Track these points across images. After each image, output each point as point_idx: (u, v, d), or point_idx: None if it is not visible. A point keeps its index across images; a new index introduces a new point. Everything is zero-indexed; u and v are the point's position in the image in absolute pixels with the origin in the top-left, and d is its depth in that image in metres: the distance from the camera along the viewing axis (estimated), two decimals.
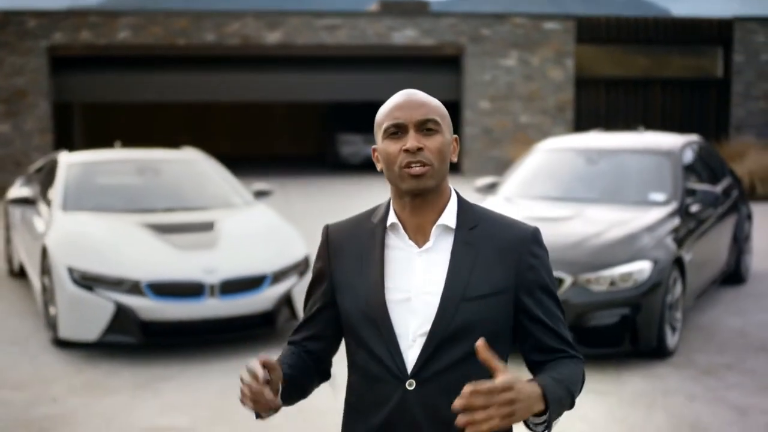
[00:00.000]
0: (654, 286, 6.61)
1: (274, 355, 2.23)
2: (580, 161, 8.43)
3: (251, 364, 1.99)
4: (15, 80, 18.72)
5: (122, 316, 6.74)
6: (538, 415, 1.99)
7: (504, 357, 2.18)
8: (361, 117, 22.47)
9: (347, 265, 2.23)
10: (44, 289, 7.40)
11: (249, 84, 20.30)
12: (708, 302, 8.42)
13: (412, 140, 2.10)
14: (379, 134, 2.18)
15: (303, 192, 17.34)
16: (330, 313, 2.26)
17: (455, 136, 2.24)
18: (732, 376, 6.45)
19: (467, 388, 1.83)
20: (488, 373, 2.01)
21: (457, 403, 1.83)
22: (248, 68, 20.09)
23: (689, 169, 8.20)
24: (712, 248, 8.18)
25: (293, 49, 19.69)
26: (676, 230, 7.27)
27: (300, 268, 7.36)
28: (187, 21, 19.23)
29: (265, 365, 2.01)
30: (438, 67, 20.55)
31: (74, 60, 19.26)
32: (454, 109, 20.31)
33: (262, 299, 7.02)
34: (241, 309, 6.95)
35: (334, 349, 2.33)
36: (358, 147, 21.57)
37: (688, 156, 8.39)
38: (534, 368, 2.21)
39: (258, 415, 2.12)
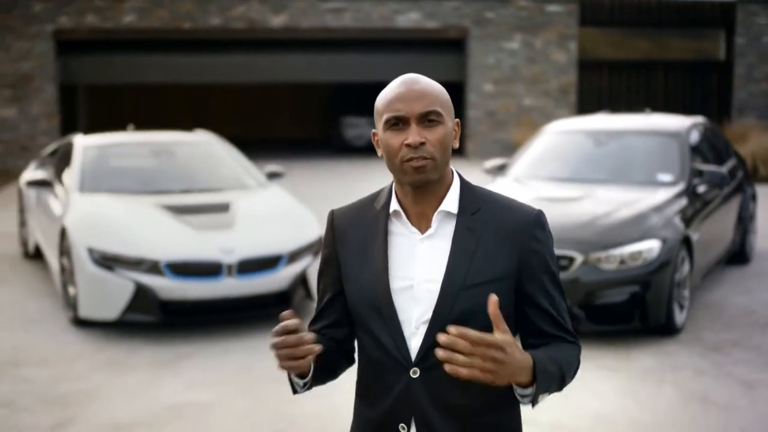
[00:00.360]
0: (663, 265, 6.75)
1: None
2: (588, 143, 8.56)
3: (277, 327, 1.98)
4: (21, 65, 18.80)
5: (142, 296, 6.88)
6: (525, 387, 1.99)
7: None
8: (366, 99, 22.53)
9: (351, 252, 2.22)
10: (63, 269, 7.54)
11: (254, 66, 20.40)
12: (714, 281, 8.56)
13: (414, 135, 2.07)
14: (379, 122, 2.15)
15: (308, 174, 17.45)
16: (342, 300, 2.25)
17: (456, 120, 2.21)
18: (739, 352, 6.60)
19: (454, 329, 1.85)
20: None
21: (442, 337, 1.85)
22: (253, 50, 20.19)
23: (695, 150, 8.32)
24: (718, 228, 8.31)
25: (298, 32, 19.76)
26: (683, 210, 7.40)
27: (314, 248, 7.49)
28: (193, 5, 19.30)
29: (285, 319, 2.01)
30: (442, 49, 20.63)
31: (80, 43, 19.33)
32: (458, 91, 20.41)
33: (278, 279, 7.16)
34: (257, 288, 7.09)
35: (354, 334, 2.30)
36: (362, 129, 21.65)
37: (695, 137, 8.51)
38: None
39: (294, 390, 2.16)
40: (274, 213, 7.84)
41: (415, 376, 2.11)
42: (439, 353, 1.86)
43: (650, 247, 6.77)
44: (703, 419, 5.37)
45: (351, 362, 2.36)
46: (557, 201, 7.35)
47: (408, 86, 2.11)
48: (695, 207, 7.66)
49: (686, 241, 7.17)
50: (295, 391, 2.20)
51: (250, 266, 7.06)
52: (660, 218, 7.11)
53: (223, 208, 7.74)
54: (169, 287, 6.89)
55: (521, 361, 1.93)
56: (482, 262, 2.10)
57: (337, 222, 2.27)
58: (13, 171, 18.52)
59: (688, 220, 7.35)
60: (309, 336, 2.00)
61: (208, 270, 6.95)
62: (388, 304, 2.12)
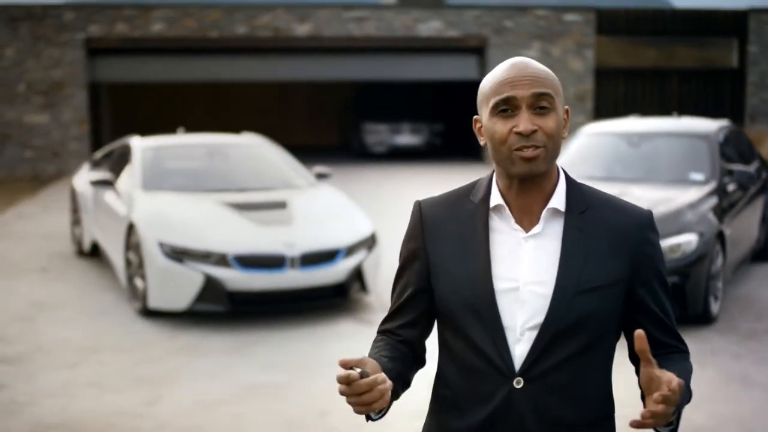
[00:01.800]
0: (700, 257, 7.20)
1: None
2: (622, 144, 9.00)
3: (340, 376, 1.81)
4: (53, 72, 19.29)
5: (211, 287, 7.33)
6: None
7: (610, 353, 2.07)
8: (386, 106, 23.01)
9: (445, 248, 2.06)
10: (129, 263, 7.98)
11: (276, 66, 20.93)
12: (742, 276, 8.99)
13: (525, 122, 1.93)
14: (484, 108, 2.01)
15: (332, 180, 17.88)
16: (425, 298, 2.10)
17: (566, 107, 2.06)
18: None
19: (671, 382, 1.76)
20: (599, 372, 2.01)
21: (657, 396, 1.75)
22: (278, 55, 20.70)
23: (724, 151, 8.76)
24: (746, 225, 8.75)
25: (322, 40, 20.25)
26: (715, 207, 7.84)
27: (368, 243, 7.93)
28: (220, 14, 19.80)
29: (347, 365, 1.85)
30: (462, 57, 21.09)
31: (110, 51, 19.83)
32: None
33: (337, 271, 7.60)
34: (317, 280, 7.53)
35: (428, 335, 2.18)
36: (382, 136, 22.07)
37: (722, 139, 8.95)
38: (637, 362, 2.03)
39: (368, 417, 1.96)
40: (328, 210, 8.29)
41: (518, 387, 1.96)
42: (649, 413, 1.77)
43: (688, 240, 7.21)
44: (746, 395, 5.81)
45: (422, 365, 2.20)
46: None
47: (519, 69, 1.97)
48: (726, 204, 8.10)
49: (720, 236, 7.61)
50: (369, 418, 1.98)
51: (311, 259, 7.50)
52: (695, 214, 7.55)
53: (280, 205, 8.19)
54: (236, 278, 7.33)
55: None
56: (595, 264, 1.97)
57: (426, 214, 2.12)
58: (43, 176, 19.01)
59: (720, 216, 7.79)
60: (381, 376, 1.84)
61: (273, 262, 7.39)
62: (490, 306, 1.98)
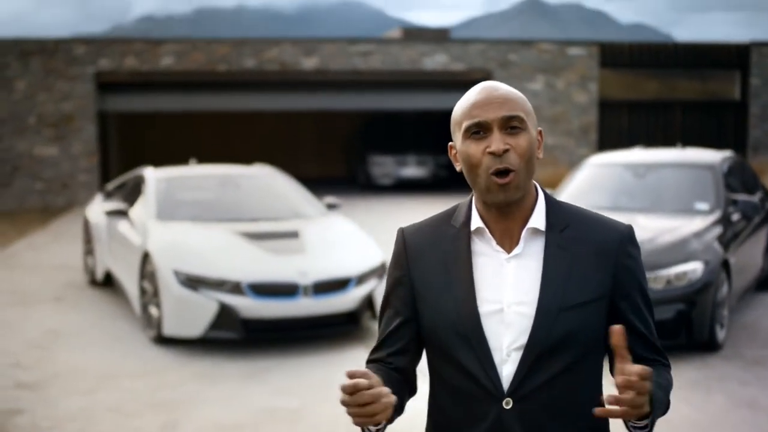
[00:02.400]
0: (706, 285, 7.32)
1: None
2: (627, 174, 9.16)
3: (346, 385, 1.83)
4: (63, 105, 19.54)
5: (225, 314, 7.46)
6: (642, 417, 1.89)
7: (598, 368, 2.07)
8: (392, 138, 23.23)
9: (429, 273, 2.07)
10: (143, 292, 8.12)
11: (285, 99, 21.21)
12: (747, 305, 9.11)
13: (497, 142, 1.95)
14: (457, 134, 2.02)
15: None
16: (412, 325, 2.12)
17: (539, 128, 2.08)
18: None
19: (635, 368, 1.78)
20: (588, 387, 2.01)
21: (621, 380, 1.78)
22: (285, 89, 20.98)
23: (727, 181, 8.91)
24: (751, 254, 8.88)
25: (328, 74, 20.50)
26: (720, 236, 7.98)
27: (378, 272, 8.07)
28: (228, 48, 20.08)
29: (353, 375, 1.85)
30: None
31: (119, 85, 20.09)
32: None
33: (348, 299, 7.73)
34: (330, 308, 7.66)
35: (417, 362, 2.18)
36: (388, 168, 22.27)
37: (727, 169, 9.11)
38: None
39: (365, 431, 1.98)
40: (340, 239, 8.43)
41: (507, 407, 1.98)
42: (613, 400, 1.78)
43: (694, 268, 7.34)
44: (753, 420, 5.91)
45: (413, 393, 2.20)
46: None
47: (488, 92, 2.01)
48: (730, 233, 8.23)
49: (725, 264, 7.74)
50: None
51: (324, 287, 7.64)
52: (700, 243, 7.68)
53: (293, 234, 8.34)
54: (250, 306, 7.46)
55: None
56: (578, 281, 1.99)
57: (409, 241, 2.13)
58: (53, 208, 19.21)
59: (725, 245, 7.92)
60: (385, 389, 1.86)
61: (286, 290, 7.53)
62: (476, 329, 1.99)
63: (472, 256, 2.03)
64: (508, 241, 2.03)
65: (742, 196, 8.78)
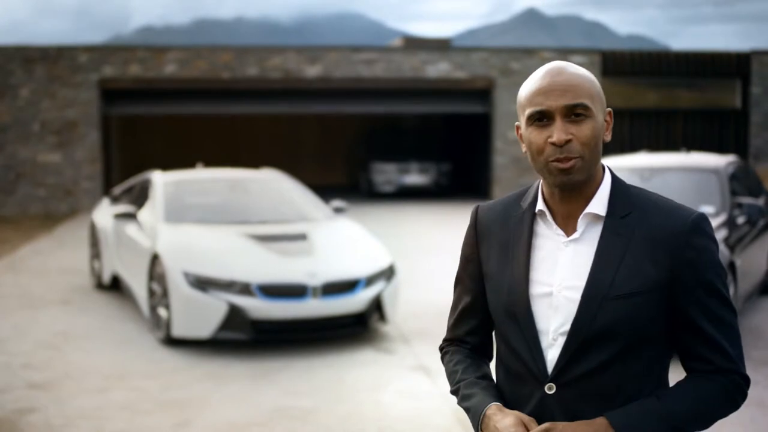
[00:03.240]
0: None
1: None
2: (633, 178, 9.18)
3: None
4: (67, 112, 19.60)
5: (234, 315, 7.49)
6: None
7: (655, 363, 2.00)
8: (394, 145, 23.29)
9: (494, 252, 2.09)
10: (152, 293, 8.15)
11: (288, 107, 21.29)
12: (752, 308, 9.15)
13: (559, 132, 1.92)
14: (522, 117, 2.01)
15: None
16: (482, 302, 2.15)
17: (608, 110, 2.04)
18: None
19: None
20: (640, 380, 1.97)
21: None
22: (289, 97, 21.05)
23: (732, 185, 8.96)
24: (756, 257, 8.92)
25: (332, 82, 20.58)
26: (726, 238, 8.02)
27: (386, 274, 8.11)
28: (232, 55, 20.16)
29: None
30: (469, 98, 21.43)
31: (123, 92, 20.16)
32: (486, 136, 21.20)
33: (357, 301, 7.77)
34: (338, 309, 7.69)
35: (491, 336, 2.24)
36: (391, 176, 22.33)
37: (731, 173, 9.16)
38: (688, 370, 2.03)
39: None
40: (348, 241, 8.48)
41: (550, 392, 1.97)
42: None
43: None
44: (763, 420, 5.95)
45: (491, 358, 2.28)
46: None
47: (552, 77, 1.96)
48: (736, 236, 8.28)
49: (731, 267, 7.78)
50: None
51: (333, 289, 7.67)
52: None
53: (301, 237, 8.38)
54: (259, 307, 7.50)
55: (582, 428, 1.90)
56: (630, 270, 1.93)
57: (481, 219, 2.15)
58: (56, 215, 19.24)
59: (731, 248, 7.96)
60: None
61: (295, 292, 7.57)
62: (525, 311, 1.99)
63: (533, 237, 2.03)
64: (570, 225, 2.01)
65: (746, 200, 8.83)
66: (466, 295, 2.17)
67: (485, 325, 2.18)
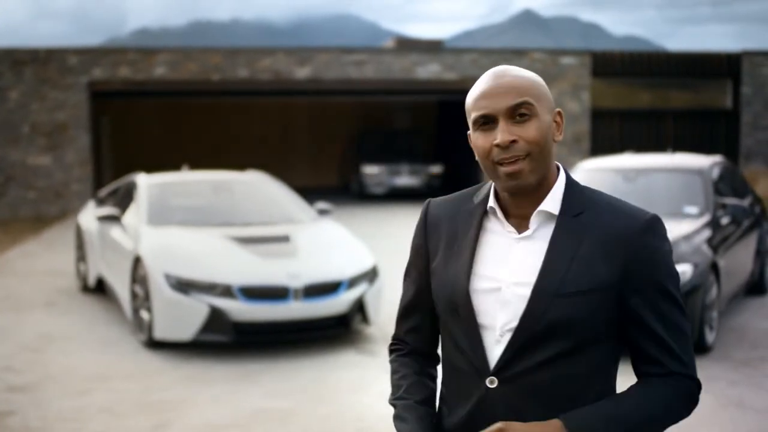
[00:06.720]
0: (695, 287, 7.36)
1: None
2: (618, 179, 9.20)
3: None
4: (56, 114, 19.57)
5: (216, 317, 7.48)
6: None
7: (602, 364, 1.98)
8: (385, 147, 23.32)
9: (441, 245, 2.07)
10: (134, 296, 8.13)
11: (278, 108, 21.25)
12: (736, 308, 9.15)
13: (503, 133, 1.90)
14: (469, 122, 1.98)
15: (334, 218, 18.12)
16: (426, 297, 2.12)
17: (557, 110, 2.00)
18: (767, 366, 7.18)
19: None
20: (587, 379, 1.95)
21: None
22: (279, 98, 21.06)
23: (717, 186, 8.97)
24: (740, 258, 8.92)
25: (322, 83, 20.57)
26: (710, 239, 8.03)
27: (369, 276, 8.10)
28: (222, 57, 20.14)
29: None
30: (461, 98, 21.45)
31: (113, 94, 20.15)
32: None
33: (339, 303, 7.75)
34: (320, 311, 7.68)
35: (436, 337, 2.19)
36: (382, 178, 22.36)
37: (716, 174, 9.17)
38: (640, 375, 2.01)
39: None
40: (331, 243, 8.46)
41: (492, 386, 1.95)
42: None
43: (683, 270, 7.38)
44: (741, 420, 5.95)
45: (438, 362, 2.23)
46: None
47: (495, 80, 1.94)
48: (720, 237, 8.28)
49: (714, 267, 7.78)
50: None
51: (315, 291, 7.66)
52: (689, 245, 7.72)
53: (284, 238, 8.37)
54: (241, 309, 7.48)
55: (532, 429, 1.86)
56: (581, 269, 1.91)
57: (431, 212, 2.13)
58: (46, 217, 19.21)
59: (714, 248, 7.97)
60: None
61: (277, 294, 7.55)
62: (465, 305, 1.97)
63: (481, 232, 2.01)
64: (522, 222, 1.99)
65: (731, 200, 8.83)
66: (410, 289, 2.15)
67: (428, 322, 2.15)
